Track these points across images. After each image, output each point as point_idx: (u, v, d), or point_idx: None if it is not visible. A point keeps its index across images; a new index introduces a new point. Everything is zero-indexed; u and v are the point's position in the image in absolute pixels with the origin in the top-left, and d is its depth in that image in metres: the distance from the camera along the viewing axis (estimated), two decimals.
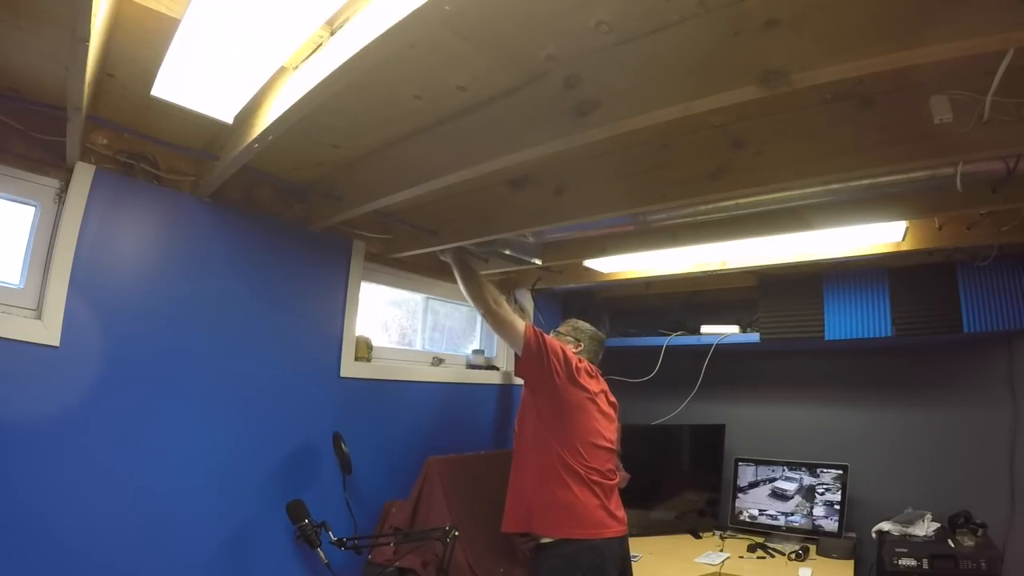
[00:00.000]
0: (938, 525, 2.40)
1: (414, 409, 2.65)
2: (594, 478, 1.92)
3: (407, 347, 2.89)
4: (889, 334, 2.50)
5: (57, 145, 1.62)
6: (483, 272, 2.88)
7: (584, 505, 1.87)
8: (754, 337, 2.89)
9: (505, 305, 2.15)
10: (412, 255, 2.51)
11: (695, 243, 2.22)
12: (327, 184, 2.08)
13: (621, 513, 2.00)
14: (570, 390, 2.00)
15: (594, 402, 2.05)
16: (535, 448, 1.98)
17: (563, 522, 1.86)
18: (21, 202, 1.69)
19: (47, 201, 1.71)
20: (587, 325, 2.35)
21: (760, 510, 2.94)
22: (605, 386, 2.25)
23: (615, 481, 2.06)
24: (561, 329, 2.38)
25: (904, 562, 2.26)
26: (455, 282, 3.01)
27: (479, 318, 3.32)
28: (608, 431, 2.07)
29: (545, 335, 2.06)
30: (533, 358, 2.01)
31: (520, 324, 2.08)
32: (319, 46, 1.21)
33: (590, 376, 2.11)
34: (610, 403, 2.22)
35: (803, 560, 2.56)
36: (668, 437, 3.28)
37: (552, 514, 1.88)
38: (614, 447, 2.11)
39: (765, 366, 3.26)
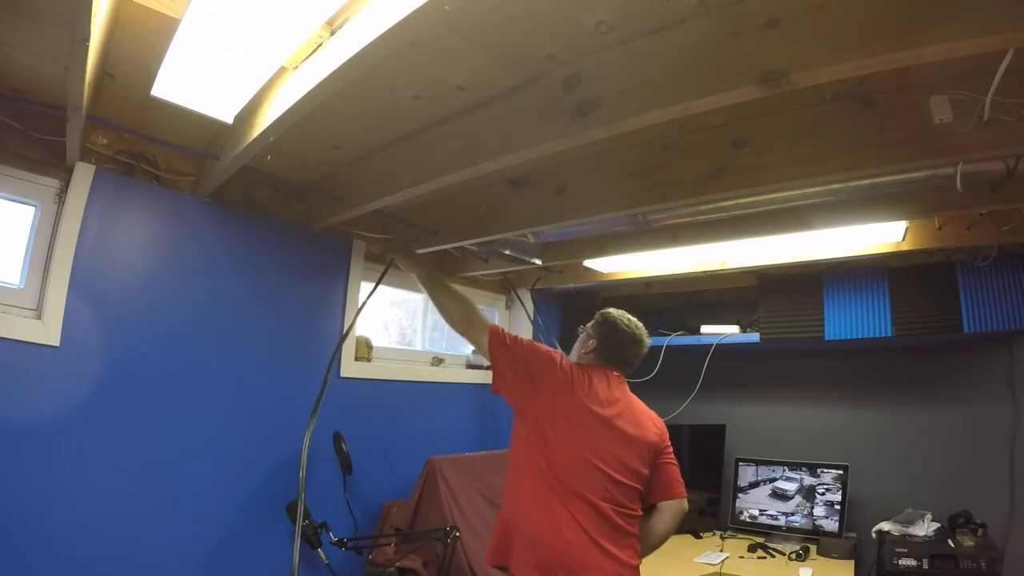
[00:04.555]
0: (938, 525, 2.40)
1: (414, 409, 2.65)
2: (580, 507, 1.51)
3: (407, 347, 2.89)
4: (889, 334, 2.50)
5: (57, 145, 1.62)
6: (483, 272, 2.89)
7: (562, 541, 1.49)
8: (754, 337, 2.89)
9: (473, 305, 1.80)
10: None
11: (695, 243, 2.21)
12: (327, 184, 2.08)
13: (622, 553, 1.53)
14: (556, 403, 1.59)
15: (599, 417, 1.59)
16: (517, 471, 1.61)
17: (534, 559, 1.50)
18: (21, 202, 1.69)
19: (47, 201, 1.71)
20: (616, 315, 1.82)
21: (760, 510, 2.94)
22: (629, 399, 1.73)
23: (619, 519, 1.55)
24: (585, 325, 1.91)
25: (904, 562, 2.25)
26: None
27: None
28: (620, 454, 1.58)
29: (518, 338, 1.69)
30: (503, 367, 1.64)
31: (487, 325, 1.71)
32: (319, 46, 1.21)
33: (595, 385, 1.64)
34: (634, 422, 1.67)
35: (803, 560, 2.56)
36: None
37: (526, 549, 1.52)
38: (625, 475, 1.58)
39: (765, 366, 3.26)
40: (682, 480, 1.76)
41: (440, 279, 1.91)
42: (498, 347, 1.65)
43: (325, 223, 2.18)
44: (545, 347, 1.70)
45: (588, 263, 2.81)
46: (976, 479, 2.54)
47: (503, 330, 1.69)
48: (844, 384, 3.03)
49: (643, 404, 1.78)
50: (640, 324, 1.84)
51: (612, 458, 1.57)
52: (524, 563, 1.52)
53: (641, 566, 1.60)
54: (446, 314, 1.80)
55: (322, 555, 1.96)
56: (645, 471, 1.64)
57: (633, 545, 1.59)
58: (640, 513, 1.64)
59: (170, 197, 1.92)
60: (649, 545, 1.67)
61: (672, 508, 1.73)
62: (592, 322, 1.85)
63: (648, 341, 1.84)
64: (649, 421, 1.73)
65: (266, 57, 1.24)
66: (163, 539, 1.80)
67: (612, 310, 1.86)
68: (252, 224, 2.11)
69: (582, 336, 1.86)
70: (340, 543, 1.95)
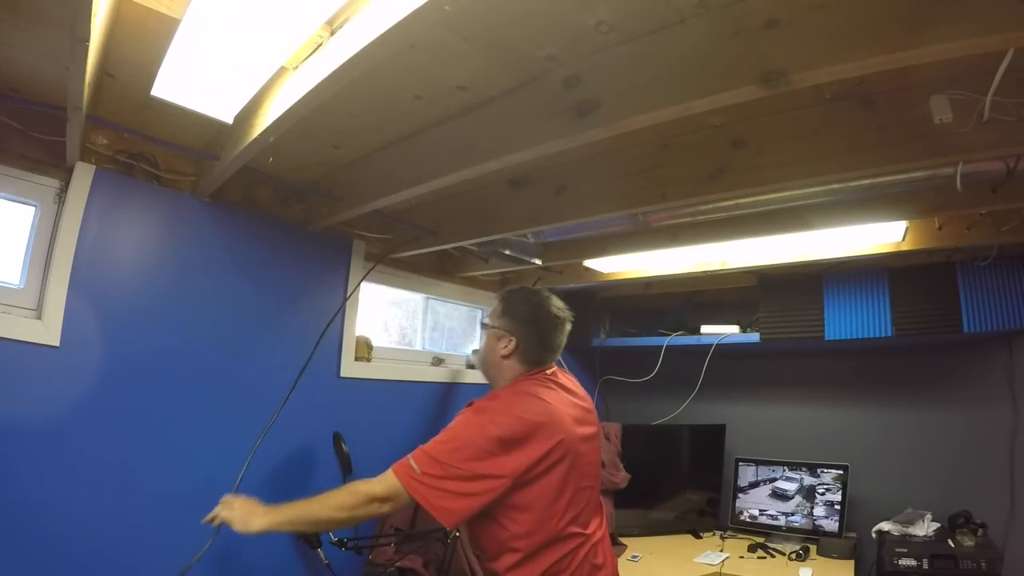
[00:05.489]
0: (938, 525, 2.40)
1: (414, 409, 2.65)
2: (575, 541, 1.42)
3: (407, 347, 2.89)
4: (889, 334, 2.50)
5: (57, 145, 1.62)
6: (483, 272, 2.89)
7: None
8: (754, 337, 2.89)
9: (346, 490, 1.43)
10: (412, 255, 2.51)
11: (695, 243, 2.22)
12: (327, 184, 2.08)
13: (600, 559, 1.47)
14: (531, 462, 1.34)
15: (570, 441, 1.40)
16: (500, 550, 1.39)
17: None
18: (21, 202, 1.69)
19: (47, 201, 1.71)
20: (533, 300, 1.53)
21: (760, 510, 2.94)
22: (571, 391, 1.54)
23: (598, 530, 1.50)
24: (487, 318, 1.58)
25: (904, 562, 2.26)
26: (455, 282, 3.04)
27: (479, 317, 3.33)
28: (592, 459, 1.48)
29: (434, 447, 1.37)
30: (455, 487, 1.30)
31: (383, 476, 1.38)
32: (319, 46, 1.21)
33: (549, 403, 1.44)
34: (585, 413, 1.55)
35: (803, 560, 2.56)
36: (668, 437, 3.27)
37: None
38: (598, 477, 1.53)
39: (765, 366, 3.26)
40: None
41: (297, 505, 1.47)
42: (424, 482, 1.30)
43: (325, 223, 2.17)
44: (471, 424, 1.40)
45: (588, 263, 2.81)
46: (976, 479, 2.54)
47: (406, 460, 1.37)
48: (844, 384, 3.03)
49: (574, 382, 1.59)
50: (556, 297, 1.58)
51: (591, 468, 1.49)
52: None
53: (641, 566, 1.60)
54: (336, 514, 1.42)
55: (322, 555, 1.96)
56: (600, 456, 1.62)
57: (609, 548, 1.55)
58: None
59: (170, 197, 1.91)
60: None
61: None
62: (500, 313, 1.54)
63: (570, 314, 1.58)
64: (589, 404, 1.60)
65: (266, 57, 1.24)
66: (163, 537, 1.79)
67: (518, 291, 1.57)
68: (252, 224, 2.10)
69: (490, 335, 1.54)
70: (340, 543, 1.95)
